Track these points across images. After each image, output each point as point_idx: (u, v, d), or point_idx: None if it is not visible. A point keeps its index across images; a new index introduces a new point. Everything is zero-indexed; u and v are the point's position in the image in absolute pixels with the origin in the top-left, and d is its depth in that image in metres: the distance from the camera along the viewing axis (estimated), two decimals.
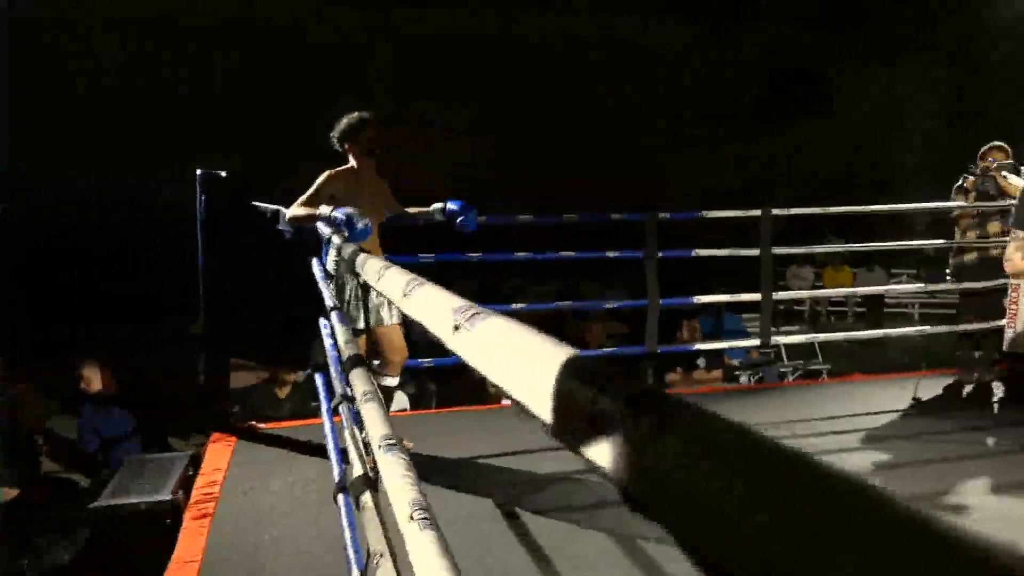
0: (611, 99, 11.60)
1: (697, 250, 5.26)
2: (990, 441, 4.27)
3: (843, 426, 4.54)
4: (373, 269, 1.45)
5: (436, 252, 4.97)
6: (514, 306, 5.32)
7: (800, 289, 9.68)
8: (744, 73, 12.63)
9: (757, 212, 5.38)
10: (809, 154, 13.08)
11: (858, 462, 3.96)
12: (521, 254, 5.12)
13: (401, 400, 5.43)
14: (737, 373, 6.62)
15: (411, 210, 4.09)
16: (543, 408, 0.47)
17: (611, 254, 5.21)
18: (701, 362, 6.31)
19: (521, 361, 0.52)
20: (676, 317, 7.30)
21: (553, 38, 11.04)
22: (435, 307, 0.80)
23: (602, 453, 0.39)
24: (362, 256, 1.82)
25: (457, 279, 10.73)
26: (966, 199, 5.56)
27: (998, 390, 5.34)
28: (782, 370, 7.02)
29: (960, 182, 5.62)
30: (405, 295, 1.00)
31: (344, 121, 3.84)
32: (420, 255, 4.86)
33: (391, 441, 1.23)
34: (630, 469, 0.37)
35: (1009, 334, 5.47)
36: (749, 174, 11.73)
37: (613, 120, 11.46)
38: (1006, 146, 5.56)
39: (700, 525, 0.34)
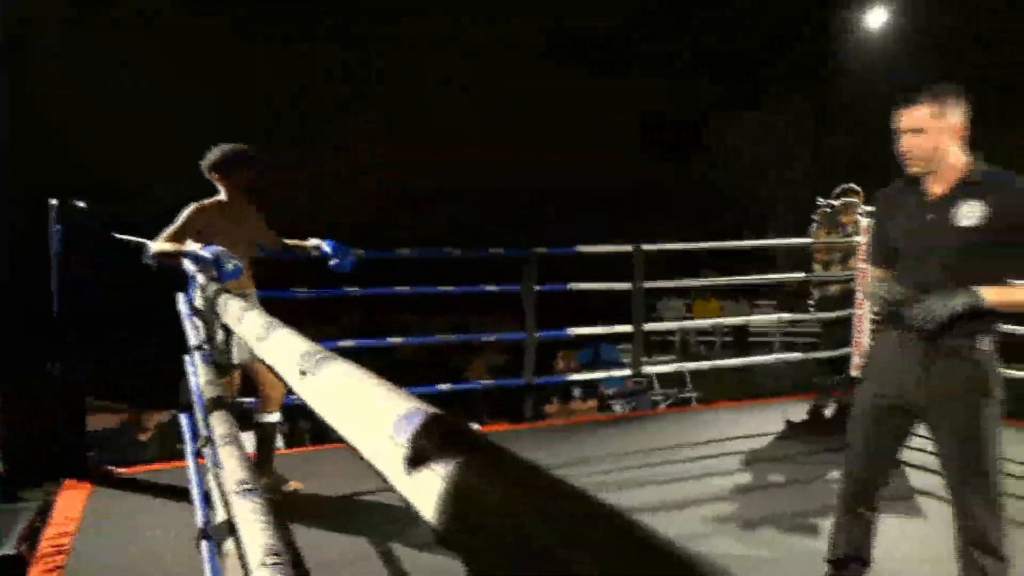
0: (502, 136, 11.83)
1: (573, 284, 5.40)
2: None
3: (710, 450, 4.75)
4: (233, 312, 1.43)
5: (316, 286, 4.88)
6: (389, 340, 5.28)
7: (672, 320, 10.08)
8: (622, 116, 13.18)
9: (629, 248, 5.60)
10: (684, 192, 13.75)
11: (722, 483, 4.16)
12: (402, 288, 5.10)
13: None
14: (611, 402, 6.81)
15: (289, 242, 4.02)
16: (368, 450, 0.49)
17: (490, 288, 5.28)
18: (577, 392, 6.45)
19: (353, 406, 0.54)
20: (555, 348, 7.46)
21: (432, 77, 11.19)
22: (286, 352, 0.81)
23: (415, 491, 0.42)
24: (223, 297, 1.78)
25: (345, 313, 10.55)
26: (825, 236, 5.96)
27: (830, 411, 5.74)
28: (654, 398, 7.28)
29: (814, 219, 6.04)
30: (260, 339, 1.00)
31: (218, 152, 3.73)
32: (295, 289, 4.76)
33: (247, 486, 1.21)
34: (439, 506, 0.39)
35: (855, 360, 5.91)
36: (628, 211, 12.20)
37: (498, 159, 11.68)
38: (857, 188, 6.02)
39: (503, 558, 0.37)
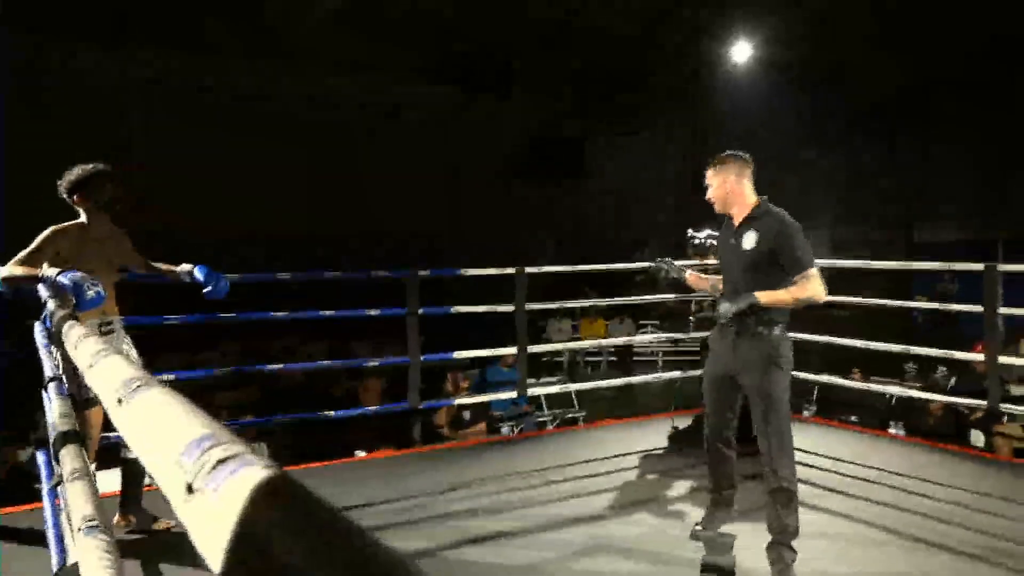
0: (377, 156, 11.73)
1: (456, 307, 5.42)
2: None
3: (596, 469, 4.85)
4: (72, 340, 1.37)
5: (190, 311, 4.69)
6: (269, 367, 5.14)
7: (560, 341, 10.25)
8: (501, 138, 13.35)
9: (511, 270, 5.68)
10: (568, 216, 14.04)
11: (607, 500, 4.25)
12: (280, 314, 4.98)
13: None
14: (499, 425, 6.85)
15: (159, 266, 3.86)
16: (159, 476, 0.49)
17: (373, 312, 5.23)
18: (466, 415, 6.46)
19: (155, 433, 0.53)
20: (444, 371, 7.45)
21: (304, 97, 10.99)
22: (110, 379, 0.79)
23: (192, 517, 0.42)
24: (68, 324, 1.70)
25: (222, 340, 10.17)
26: (702, 258, 6.21)
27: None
28: (542, 419, 7.37)
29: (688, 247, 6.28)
30: (91, 366, 0.97)
31: (77, 171, 3.55)
32: (165, 317, 4.57)
33: (92, 523, 1.15)
34: (212, 534, 0.40)
35: None
36: (511, 234, 12.33)
37: (379, 178, 11.60)
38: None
39: None
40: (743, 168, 3.33)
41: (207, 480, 0.42)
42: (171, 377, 4.64)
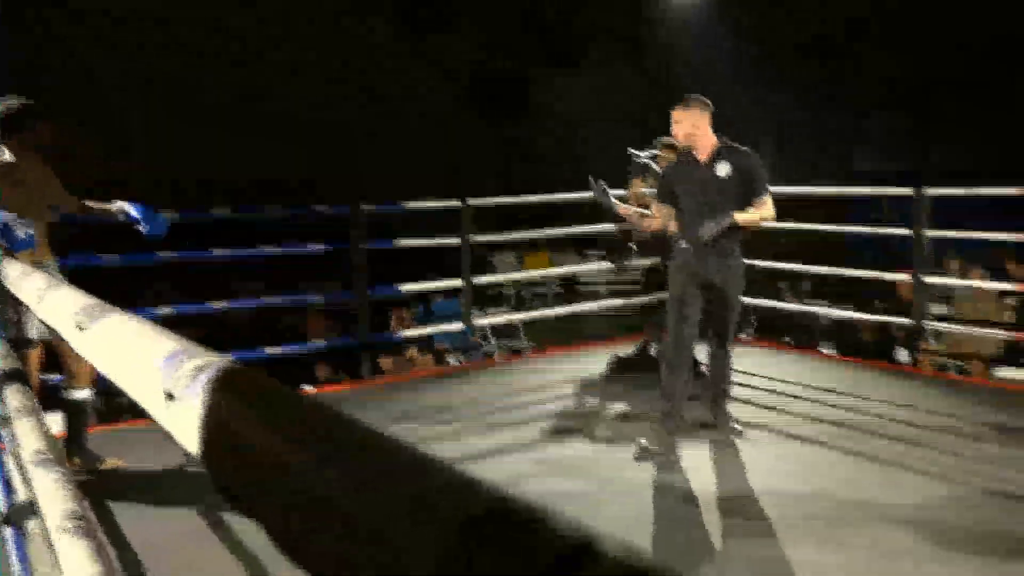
0: (320, 94, 11.41)
1: (400, 240, 5.40)
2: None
3: (542, 396, 4.96)
4: (13, 276, 1.34)
5: (124, 252, 4.58)
6: (215, 305, 5.08)
7: (505, 273, 10.31)
8: (447, 73, 13.10)
9: (457, 203, 5.66)
10: (513, 151, 13.95)
11: (553, 425, 4.37)
12: (221, 251, 4.89)
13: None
14: (446, 355, 6.92)
15: (90, 204, 3.73)
16: (135, 391, 0.50)
17: (317, 247, 5.18)
18: (413, 348, 6.50)
19: (125, 353, 0.55)
20: (389, 306, 7.45)
21: (249, 31, 10.57)
22: (64, 309, 0.79)
23: (176, 424, 0.44)
24: (4, 262, 1.65)
25: (157, 279, 9.94)
26: (641, 184, 6.25)
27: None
28: (487, 350, 7.47)
29: (629, 170, 6.32)
30: (39, 301, 0.95)
31: (1, 107, 3.39)
32: (103, 255, 4.45)
33: (45, 455, 1.15)
34: (197, 436, 0.42)
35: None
36: (457, 168, 12.24)
37: (321, 117, 11.30)
38: (670, 140, 6.37)
39: (259, 483, 0.40)
40: (705, 110, 3.83)
41: (187, 386, 0.44)
42: None
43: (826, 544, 2.96)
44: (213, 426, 0.41)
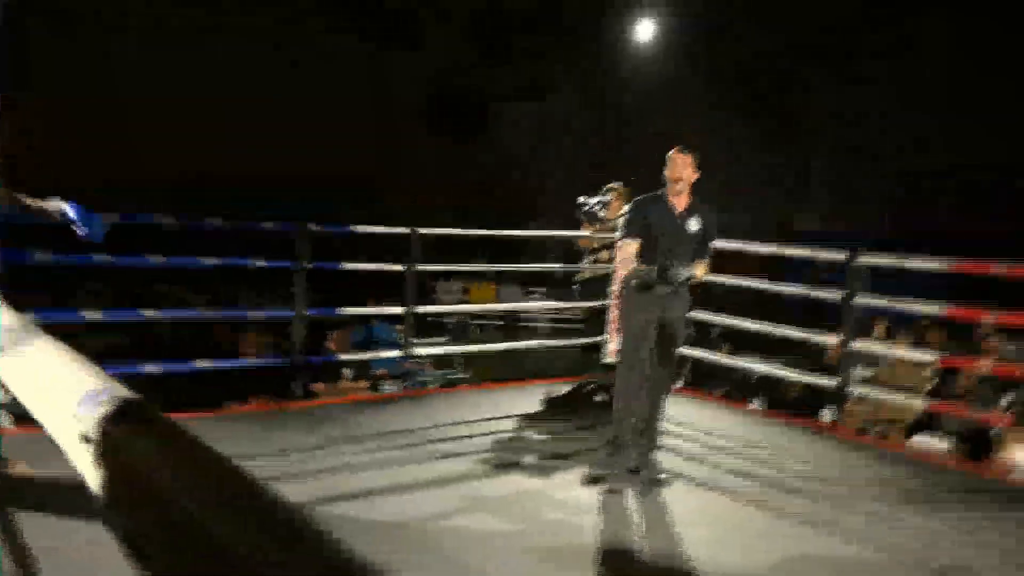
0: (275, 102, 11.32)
1: (345, 263, 5.37)
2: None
3: (473, 429, 4.95)
4: None
5: (58, 251, 4.44)
6: (146, 313, 4.95)
7: (449, 303, 10.29)
8: (407, 92, 13.14)
9: (406, 230, 5.66)
10: (468, 175, 14.01)
11: (483, 460, 4.36)
12: (156, 258, 4.79)
13: None
14: (382, 382, 6.85)
15: (26, 200, 3.61)
16: (51, 426, 0.50)
17: (259, 263, 5.11)
18: (348, 372, 6.42)
19: (44, 384, 0.54)
20: (328, 328, 7.35)
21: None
22: None
23: (87, 465, 0.45)
24: None
25: (90, 279, 9.64)
26: (591, 230, 6.36)
27: (598, 396, 6.21)
28: (424, 379, 7.41)
29: (579, 217, 6.42)
30: None
31: None
32: (35, 253, 4.31)
33: None
34: (103, 479, 0.42)
35: (610, 347, 6.40)
36: (404, 192, 12.23)
37: (281, 126, 11.21)
38: (617, 186, 6.49)
39: (154, 527, 0.41)
40: (695, 161, 4.10)
41: (103, 432, 0.44)
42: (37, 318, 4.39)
43: None
44: (123, 477, 0.42)
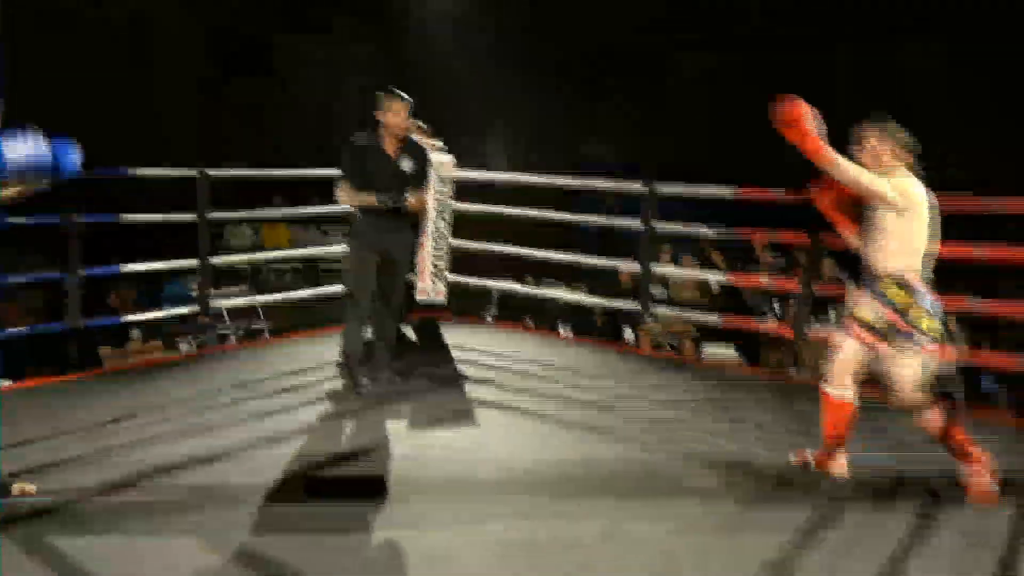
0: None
1: (125, 215, 4.83)
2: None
3: (283, 383, 4.72)
4: None
5: None
6: None
7: (240, 248, 9.69)
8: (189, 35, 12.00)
9: (193, 172, 5.18)
10: (255, 118, 13.09)
11: (295, 419, 4.17)
12: None
13: None
14: (177, 340, 6.34)
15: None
16: None
17: (16, 220, 4.44)
18: (136, 333, 5.86)
19: None
20: (108, 286, 6.64)
21: None
22: None
23: None
24: None
25: None
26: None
27: (411, 334, 6.17)
28: (223, 332, 6.96)
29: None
30: None
31: None
32: None
33: None
34: None
35: (420, 286, 6.35)
36: (191, 132, 11.23)
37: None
38: (421, 124, 6.34)
39: None
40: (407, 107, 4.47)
41: None
42: None
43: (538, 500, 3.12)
44: None
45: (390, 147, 4.51)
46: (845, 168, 3.23)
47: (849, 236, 3.54)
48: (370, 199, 4.45)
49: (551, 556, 2.82)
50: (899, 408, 3.45)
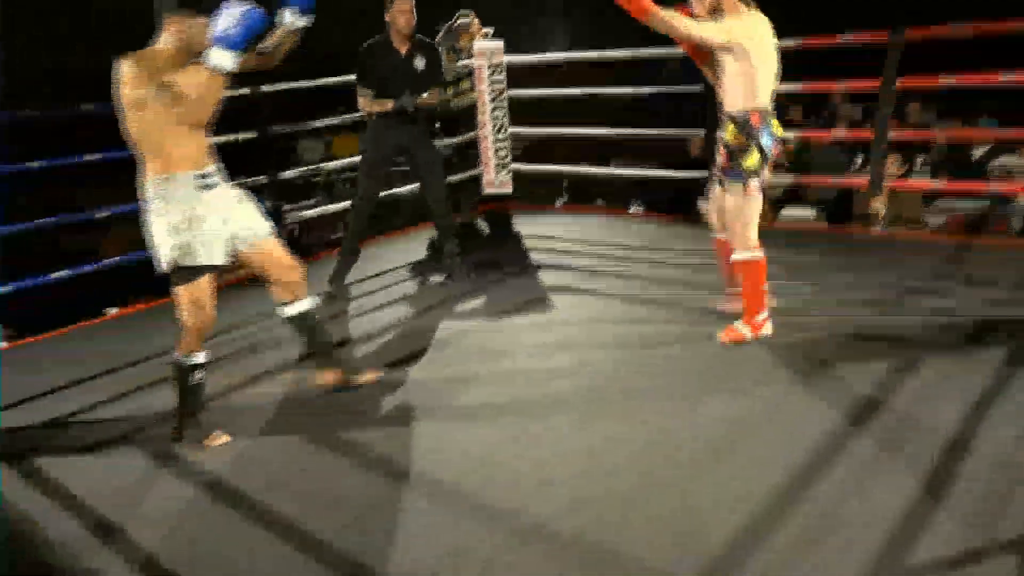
0: None
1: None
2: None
3: (372, 285, 4.91)
4: None
5: None
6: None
7: (311, 162, 9.85)
8: None
9: (246, 91, 5.24)
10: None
11: (391, 313, 4.34)
12: None
13: None
14: None
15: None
16: None
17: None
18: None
19: None
20: None
21: None
22: None
23: None
24: None
25: None
26: (447, 60, 6.07)
27: (483, 227, 6.23)
28: (306, 244, 7.14)
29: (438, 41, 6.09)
30: None
31: None
32: None
33: None
34: None
35: (487, 177, 6.36)
36: None
37: None
38: (468, 12, 6.21)
39: None
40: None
41: None
42: None
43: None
44: None
45: (401, 47, 4.51)
46: (661, 18, 3.18)
47: (712, 80, 3.54)
48: (388, 105, 4.48)
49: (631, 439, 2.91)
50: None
